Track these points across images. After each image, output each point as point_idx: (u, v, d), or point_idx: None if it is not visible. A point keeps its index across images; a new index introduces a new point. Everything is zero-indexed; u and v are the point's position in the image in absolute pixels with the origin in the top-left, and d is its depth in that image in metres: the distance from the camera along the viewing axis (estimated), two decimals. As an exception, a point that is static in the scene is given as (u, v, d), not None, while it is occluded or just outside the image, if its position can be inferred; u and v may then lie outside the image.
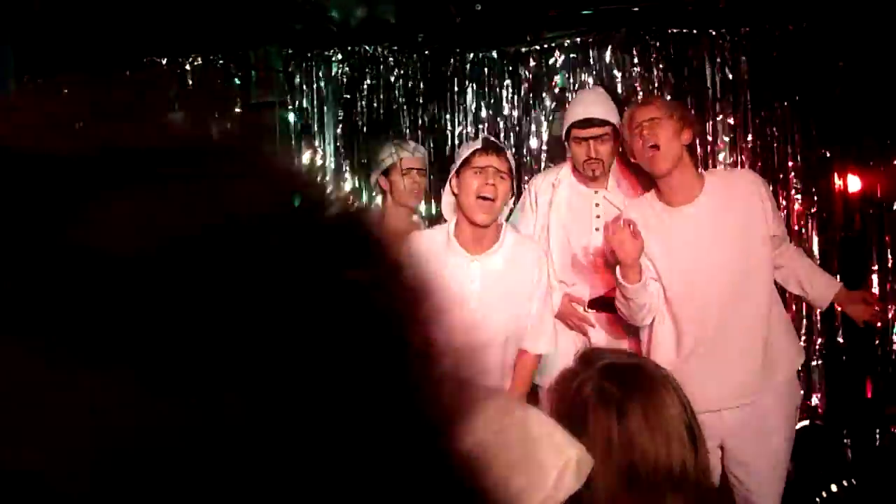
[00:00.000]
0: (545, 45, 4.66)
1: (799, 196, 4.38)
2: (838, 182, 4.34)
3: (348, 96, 4.67)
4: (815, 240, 4.34)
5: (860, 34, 4.25)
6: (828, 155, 4.36)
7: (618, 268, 2.97)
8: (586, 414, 1.48)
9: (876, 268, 4.24)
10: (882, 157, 4.28)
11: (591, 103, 3.45)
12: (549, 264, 3.20)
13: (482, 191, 2.89)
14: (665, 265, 3.04)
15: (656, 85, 4.49)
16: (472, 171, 2.92)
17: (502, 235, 3.02)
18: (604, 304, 3.43)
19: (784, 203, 4.34)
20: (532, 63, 4.67)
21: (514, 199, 3.18)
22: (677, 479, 1.43)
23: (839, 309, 3.61)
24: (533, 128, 4.64)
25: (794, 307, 4.14)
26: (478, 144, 3.00)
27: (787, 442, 3.15)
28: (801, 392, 3.31)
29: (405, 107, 4.67)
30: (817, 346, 4.30)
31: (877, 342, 4.20)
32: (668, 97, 4.28)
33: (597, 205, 3.43)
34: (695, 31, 4.53)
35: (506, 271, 2.97)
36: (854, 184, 4.32)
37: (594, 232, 3.41)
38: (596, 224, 3.41)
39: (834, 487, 4.18)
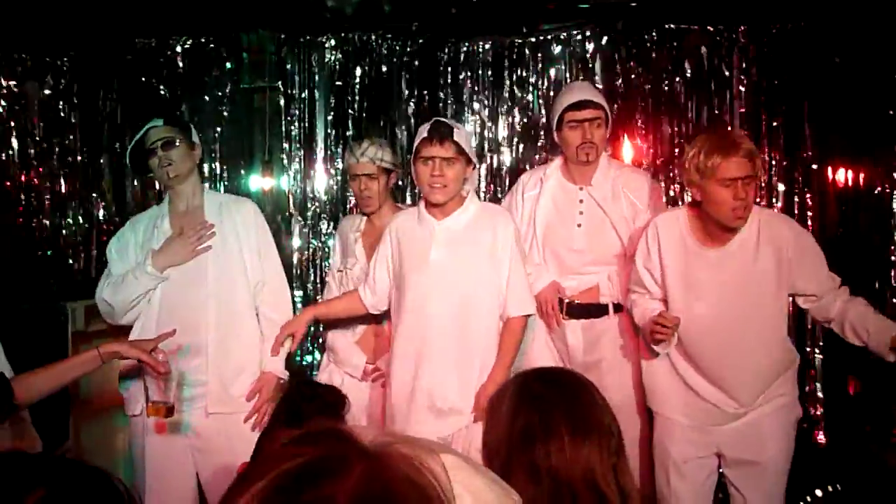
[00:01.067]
0: (541, 38, 4.62)
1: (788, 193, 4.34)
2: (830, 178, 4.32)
3: (340, 83, 4.62)
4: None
5: (855, 34, 4.22)
6: (823, 153, 4.32)
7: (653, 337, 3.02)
8: (510, 410, 1.57)
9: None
10: (871, 155, 4.25)
11: (584, 88, 3.55)
12: (517, 233, 3.22)
13: (431, 180, 3.04)
14: (677, 294, 3.03)
15: (652, 79, 4.45)
16: (421, 161, 3.05)
17: (466, 203, 3.13)
18: (581, 310, 3.45)
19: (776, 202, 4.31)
20: (527, 55, 4.62)
21: (474, 168, 3.16)
22: (591, 481, 1.48)
23: None
24: (525, 118, 4.60)
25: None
26: (424, 132, 3.06)
27: (786, 453, 3.10)
28: (800, 408, 3.23)
29: (398, 95, 4.63)
30: (807, 351, 4.26)
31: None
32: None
33: (581, 201, 3.44)
34: (693, 27, 4.49)
35: (465, 233, 3.10)
36: (844, 180, 4.29)
37: (577, 228, 3.43)
38: (579, 220, 3.43)
39: (819, 492, 4.15)
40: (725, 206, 2.86)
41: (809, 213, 4.35)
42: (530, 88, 4.62)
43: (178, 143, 3.09)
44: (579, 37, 4.58)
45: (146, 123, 3.14)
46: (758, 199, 3.53)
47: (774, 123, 4.40)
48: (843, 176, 4.33)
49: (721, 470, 3.15)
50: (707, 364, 3.03)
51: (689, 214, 3.05)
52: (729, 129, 3.51)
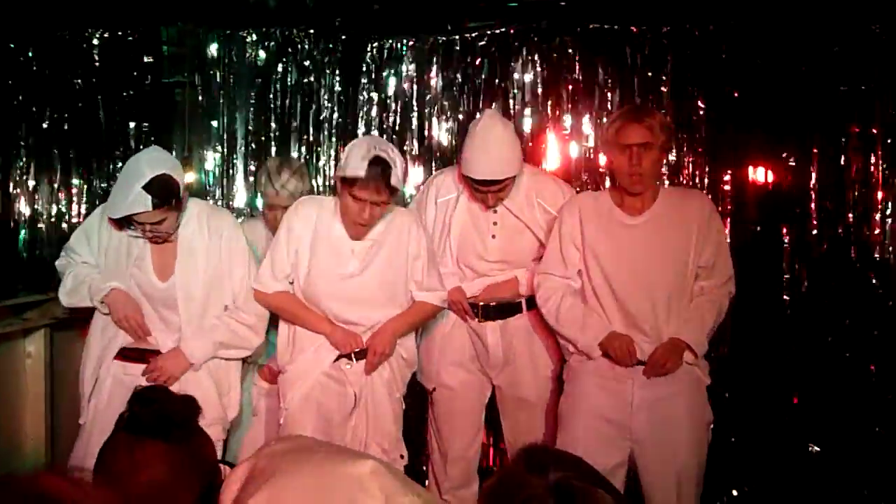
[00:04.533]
0: (466, 35, 4.58)
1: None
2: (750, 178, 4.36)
3: (261, 79, 4.55)
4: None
5: (777, 36, 4.25)
6: (738, 151, 4.35)
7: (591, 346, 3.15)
8: None
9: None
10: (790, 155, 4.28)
11: (490, 161, 3.29)
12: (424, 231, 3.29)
13: (359, 219, 3.03)
14: (607, 265, 3.14)
15: (575, 79, 4.44)
16: (352, 197, 2.99)
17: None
18: (496, 311, 3.48)
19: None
20: (452, 53, 4.58)
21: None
22: None
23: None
24: (446, 120, 4.56)
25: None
26: (360, 171, 2.94)
27: (698, 458, 3.15)
28: (712, 413, 3.26)
29: (320, 92, 4.57)
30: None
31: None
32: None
33: (495, 211, 3.45)
34: (616, 27, 4.48)
35: (380, 243, 3.15)
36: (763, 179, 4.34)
37: (491, 239, 3.46)
38: (493, 231, 3.46)
39: (735, 492, 4.17)
40: (623, 170, 3.08)
41: (730, 209, 4.36)
42: (455, 87, 4.57)
43: (169, 220, 2.95)
44: (504, 36, 4.54)
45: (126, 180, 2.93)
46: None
47: (695, 122, 4.40)
48: (762, 176, 4.35)
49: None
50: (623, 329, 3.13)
51: (610, 190, 3.25)
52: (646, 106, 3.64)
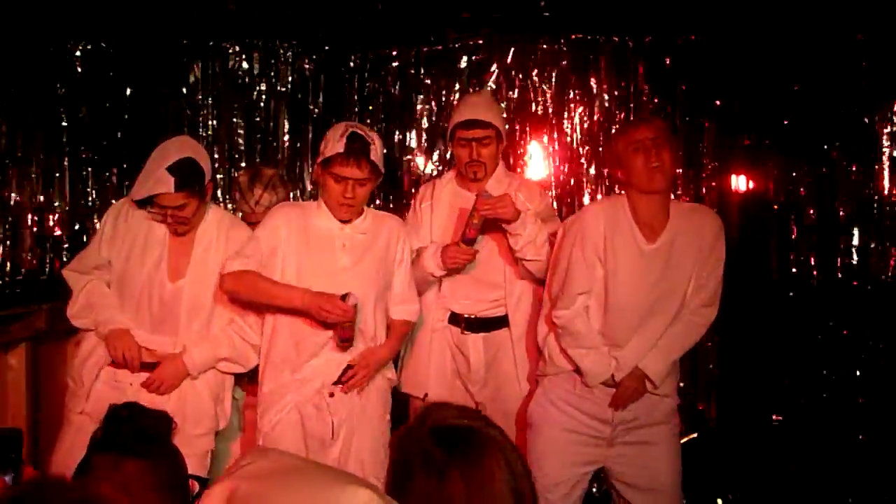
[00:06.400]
0: (450, 46, 4.60)
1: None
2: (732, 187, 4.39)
3: (244, 90, 4.55)
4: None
5: (758, 46, 4.28)
6: (723, 163, 4.38)
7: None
8: (411, 474, 1.42)
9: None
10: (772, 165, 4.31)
11: (476, 105, 3.42)
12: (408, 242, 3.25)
13: (343, 200, 2.98)
14: (614, 288, 3.02)
15: (553, 90, 4.46)
16: (332, 177, 2.96)
17: (364, 212, 3.12)
18: (480, 324, 3.42)
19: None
20: (436, 63, 4.60)
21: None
22: None
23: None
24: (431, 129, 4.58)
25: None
26: (340, 147, 2.93)
27: (677, 474, 3.11)
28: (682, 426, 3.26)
29: (303, 103, 4.57)
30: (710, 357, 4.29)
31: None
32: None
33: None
34: (599, 38, 4.51)
35: (366, 239, 3.09)
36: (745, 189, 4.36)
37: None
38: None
39: (720, 501, 4.17)
40: (640, 170, 2.94)
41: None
42: (437, 97, 4.58)
43: (191, 207, 2.92)
44: (487, 46, 4.56)
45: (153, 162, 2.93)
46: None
47: (677, 132, 4.42)
48: (743, 184, 4.37)
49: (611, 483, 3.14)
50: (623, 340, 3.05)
51: (626, 203, 3.05)
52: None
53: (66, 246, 4.40)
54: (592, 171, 4.51)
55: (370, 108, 4.58)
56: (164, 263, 3.01)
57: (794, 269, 4.28)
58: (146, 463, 1.58)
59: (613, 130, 4.37)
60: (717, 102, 4.38)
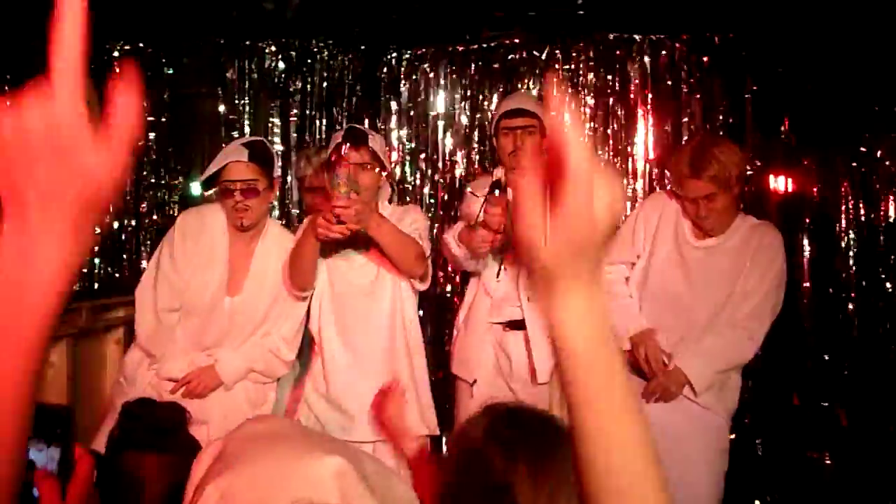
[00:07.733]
0: (485, 45, 4.59)
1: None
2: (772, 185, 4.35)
3: (281, 89, 4.56)
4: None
5: (796, 43, 4.23)
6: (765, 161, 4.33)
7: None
8: (475, 453, 1.35)
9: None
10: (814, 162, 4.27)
11: (521, 97, 3.60)
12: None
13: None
14: (652, 264, 3.12)
15: (592, 87, 4.44)
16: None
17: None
18: (521, 323, 3.34)
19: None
20: (472, 62, 4.59)
21: (387, 176, 3.15)
22: None
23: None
24: (469, 126, 4.56)
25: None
26: (338, 138, 3.00)
27: (717, 489, 3.06)
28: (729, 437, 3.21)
29: (339, 101, 4.58)
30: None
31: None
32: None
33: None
34: (636, 37, 4.48)
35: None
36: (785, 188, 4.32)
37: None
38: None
39: (757, 503, 4.13)
40: (691, 216, 3.04)
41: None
42: (474, 96, 4.57)
43: (259, 191, 2.91)
44: (522, 45, 4.54)
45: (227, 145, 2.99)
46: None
47: (721, 132, 4.38)
48: (783, 184, 4.32)
49: None
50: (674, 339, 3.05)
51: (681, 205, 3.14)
52: (714, 140, 3.31)
53: (104, 244, 4.45)
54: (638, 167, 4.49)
55: (404, 106, 4.57)
56: (223, 279, 3.01)
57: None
58: (166, 457, 1.58)
59: (656, 130, 4.36)
60: (756, 101, 4.33)
